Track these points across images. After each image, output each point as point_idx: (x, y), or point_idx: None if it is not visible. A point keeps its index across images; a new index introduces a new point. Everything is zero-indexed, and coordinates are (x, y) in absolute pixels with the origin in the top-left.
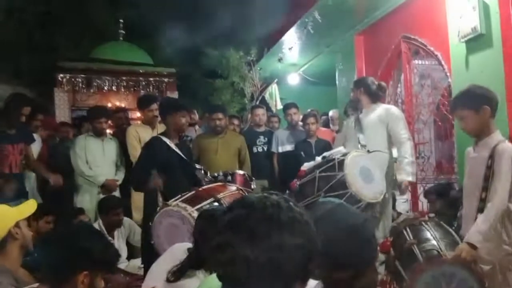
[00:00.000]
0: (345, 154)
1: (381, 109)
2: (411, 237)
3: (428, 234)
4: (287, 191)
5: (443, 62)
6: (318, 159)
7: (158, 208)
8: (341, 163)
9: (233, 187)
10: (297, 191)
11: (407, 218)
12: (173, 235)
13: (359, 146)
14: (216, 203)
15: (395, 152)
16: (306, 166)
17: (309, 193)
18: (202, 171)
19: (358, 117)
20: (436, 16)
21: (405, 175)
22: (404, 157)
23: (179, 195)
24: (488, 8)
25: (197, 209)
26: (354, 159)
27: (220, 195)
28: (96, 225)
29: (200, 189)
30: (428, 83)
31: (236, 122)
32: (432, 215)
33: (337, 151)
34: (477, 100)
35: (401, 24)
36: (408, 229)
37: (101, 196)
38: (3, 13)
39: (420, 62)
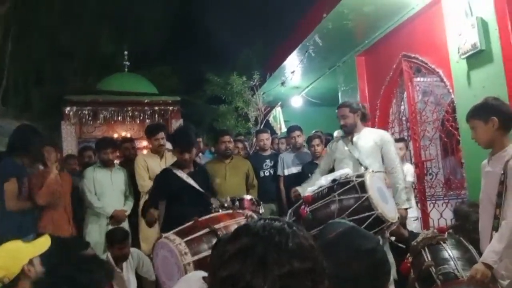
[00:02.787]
0: (359, 176)
1: (374, 133)
2: (429, 258)
3: (446, 254)
4: (295, 218)
5: (445, 79)
6: (322, 182)
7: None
8: (361, 185)
9: (240, 216)
10: (308, 217)
11: (426, 237)
12: (167, 267)
13: (362, 168)
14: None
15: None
16: (309, 190)
17: (327, 218)
18: (228, 199)
19: (352, 139)
20: (435, 34)
21: (401, 204)
22: (398, 184)
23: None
24: (487, 24)
25: (186, 241)
26: (371, 179)
27: (217, 226)
28: (104, 257)
29: (200, 219)
30: (432, 100)
31: (240, 145)
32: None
33: (344, 173)
34: (486, 111)
35: (400, 43)
36: (426, 249)
37: (110, 227)
38: (13, 46)
39: (422, 79)
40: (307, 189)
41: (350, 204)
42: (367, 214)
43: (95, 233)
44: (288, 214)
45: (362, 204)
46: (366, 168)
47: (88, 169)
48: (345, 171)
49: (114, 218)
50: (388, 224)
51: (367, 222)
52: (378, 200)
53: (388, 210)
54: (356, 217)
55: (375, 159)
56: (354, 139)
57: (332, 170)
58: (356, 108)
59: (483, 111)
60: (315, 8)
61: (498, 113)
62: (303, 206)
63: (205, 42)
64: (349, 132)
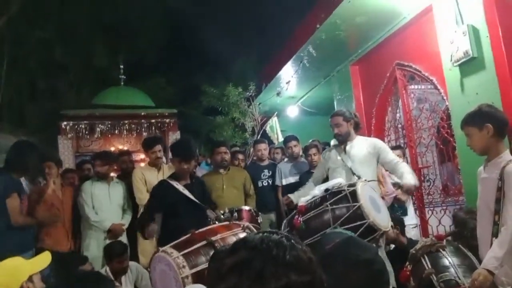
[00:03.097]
0: (351, 185)
1: (367, 142)
2: (429, 266)
3: (446, 261)
4: (289, 229)
5: (439, 86)
6: (316, 192)
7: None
8: (353, 194)
9: (237, 228)
10: (302, 227)
11: (425, 245)
12: (165, 281)
13: (355, 177)
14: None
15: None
16: (303, 200)
17: (320, 228)
18: (227, 210)
19: (345, 149)
20: (428, 42)
21: (411, 180)
22: (404, 171)
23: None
24: (478, 32)
25: (183, 254)
26: (363, 188)
27: (214, 238)
28: (103, 271)
29: (196, 231)
30: (427, 107)
31: (241, 157)
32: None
33: (337, 183)
34: (481, 118)
35: (393, 52)
36: (426, 257)
37: (108, 241)
38: (8, 62)
39: (416, 86)
40: (301, 199)
41: (342, 213)
42: (359, 223)
43: (93, 247)
44: (283, 225)
45: (354, 213)
46: (358, 177)
47: (86, 183)
48: (337, 180)
49: (112, 232)
50: (380, 233)
51: (359, 231)
52: (370, 209)
53: (380, 218)
54: (348, 226)
55: (368, 167)
56: (347, 148)
57: (326, 179)
58: (349, 117)
59: (478, 118)
60: (308, 19)
61: (492, 120)
62: (296, 216)
63: (201, 53)
64: (343, 141)
